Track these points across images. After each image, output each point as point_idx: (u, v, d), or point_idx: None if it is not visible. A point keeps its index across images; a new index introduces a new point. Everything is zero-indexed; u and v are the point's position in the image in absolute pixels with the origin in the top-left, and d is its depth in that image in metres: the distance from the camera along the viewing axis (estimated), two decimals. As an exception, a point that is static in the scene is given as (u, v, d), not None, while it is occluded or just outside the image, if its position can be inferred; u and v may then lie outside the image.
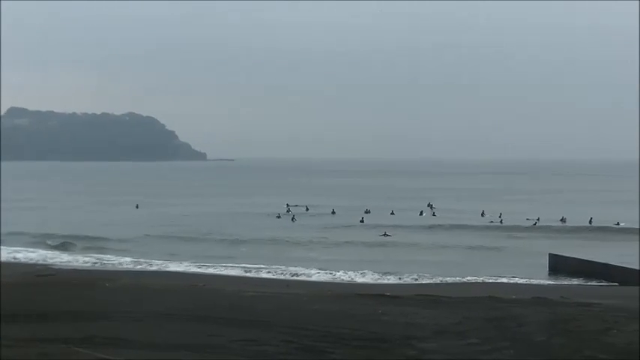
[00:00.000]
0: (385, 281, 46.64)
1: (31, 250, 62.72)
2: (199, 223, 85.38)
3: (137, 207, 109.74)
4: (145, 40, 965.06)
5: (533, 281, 46.52)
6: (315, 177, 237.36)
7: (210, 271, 51.25)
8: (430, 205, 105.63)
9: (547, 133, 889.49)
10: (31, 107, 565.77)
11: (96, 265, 55.16)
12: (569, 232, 78.50)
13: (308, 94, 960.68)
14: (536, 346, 18.44)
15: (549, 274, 50.52)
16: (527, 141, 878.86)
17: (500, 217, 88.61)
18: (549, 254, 53.59)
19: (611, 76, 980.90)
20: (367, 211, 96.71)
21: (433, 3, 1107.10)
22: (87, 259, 58.36)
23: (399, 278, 47.89)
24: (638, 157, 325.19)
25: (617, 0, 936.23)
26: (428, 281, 46.33)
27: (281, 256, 59.31)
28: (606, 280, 45.60)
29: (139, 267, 53.68)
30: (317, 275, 49.39)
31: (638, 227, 77.11)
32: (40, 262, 55.04)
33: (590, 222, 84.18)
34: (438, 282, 45.56)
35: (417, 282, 45.94)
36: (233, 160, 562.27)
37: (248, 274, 49.35)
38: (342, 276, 48.98)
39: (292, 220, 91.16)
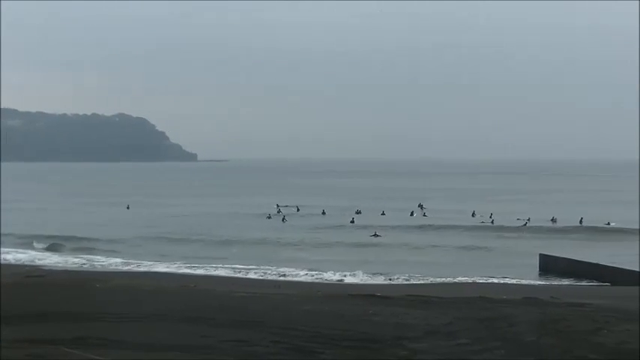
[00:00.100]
0: (376, 282, 46.67)
1: (21, 251, 62.62)
2: (190, 224, 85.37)
3: (128, 208, 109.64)
4: (145, 40, 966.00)
5: (524, 281, 46.64)
6: (309, 177, 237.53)
7: (201, 271, 51.28)
8: (420, 206, 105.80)
9: (547, 133, 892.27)
10: (21, 108, 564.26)
11: (86, 266, 55.09)
12: (559, 232, 78.69)
13: (308, 94, 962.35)
14: (526, 346, 18.45)
15: (540, 274, 50.66)
16: (527, 141, 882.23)
17: (490, 217, 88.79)
18: (540, 254, 53.72)
19: (611, 76, 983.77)
20: (358, 212, 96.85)
21: (433, 3, 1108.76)
22: (77, 260, 58.30)
23: (390, 279, 47.96)
24: (638, 157, 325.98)
25: (617, 0, 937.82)
26: (418, 281, 46.38)
27: (271, 257, 59.35)
28: (597, 280, 45.70)
29: (129, 268, 53.66)
30: (307, 276, 49.41)
31: (629, 227, 77.57)
32: (30, 263, 54.92)
33: (581, 222, 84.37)
34: (429, 282, 45.61)
35: (407, 282, 46.01)
36: (227, 160, 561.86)
37: (238, 275, 49.37)
38: (333, 276, 49.02)
39: (283, 220, 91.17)
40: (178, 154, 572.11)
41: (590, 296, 30.06)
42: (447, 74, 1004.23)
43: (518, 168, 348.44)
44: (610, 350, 17.86)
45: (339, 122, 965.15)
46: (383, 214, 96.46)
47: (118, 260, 57.82)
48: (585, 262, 49.43)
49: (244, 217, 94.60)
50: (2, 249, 61.60)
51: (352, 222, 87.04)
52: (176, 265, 54.39)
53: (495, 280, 46.53)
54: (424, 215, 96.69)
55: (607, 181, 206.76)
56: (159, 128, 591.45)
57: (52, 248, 65.31)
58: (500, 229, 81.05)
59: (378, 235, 74.26)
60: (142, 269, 52.57)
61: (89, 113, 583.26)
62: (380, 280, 47.70)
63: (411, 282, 46.21)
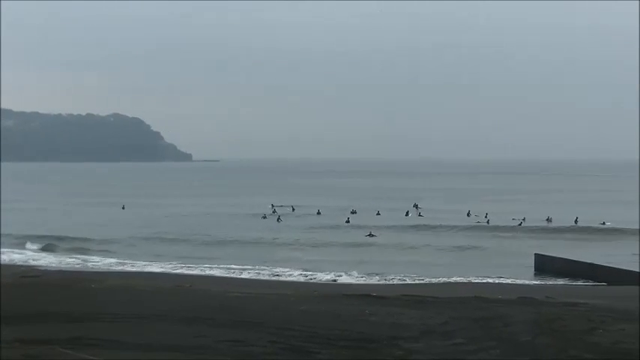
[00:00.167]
0: (371, 282, 46.68)
1: (16, 251, 62.50)
2: (185, 224, 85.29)
3: (123, 208, 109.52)
4: (145, 40, 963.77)
5: (519, 281, 46.64)
6: (307, 177, 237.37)
7: (196, 271, 51.20)
8: (416, 206, 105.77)
9: (547, 133, 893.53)
10: (16, 108, 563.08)
11: (81, 266, 54.99)
12: (554, 231, 78.71)
13: (308, 94, 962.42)
14: (522, 345, 18.48)
15: (535, 274, 50.67)
16: (527, 141, 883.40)
17: (486, 217, 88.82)
18: (535, 254, 53.74)
19: (611, 76, 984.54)
20: (353, 212, 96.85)
21: (433, 3, 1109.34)
22: (72, 260, 58.24)
23: (385, 279, 47.95)
24: (638, 157, 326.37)
25: (617, 0, 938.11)
26: (414, 282, 46.40)
27: (267, 257, 59.32)
28: (592, 280, 45.72)
29: (124, 268, 53.56)
30: (303, 276, 49.40)
31: (624, 227, 77.66)
32: (25, 263, 54.81)
33: (576, 222, 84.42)
34: (424, 282, 45.61)
35: (403, 282, 46.01)
36: (217, 160, 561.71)
37: (234, 275, 49.33)
38: (328, 276, 48.98)
39: (278, 220, 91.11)
40: (173, 154, 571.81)
41: (585, 296, 30.09)
42: (447, 74, 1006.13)
43: (518, 168, 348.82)
44: (605, 350, 17.90)
45: (339, 122, 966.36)
46: (378, 214, 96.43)
47: (113, 260, 57.77)
48: (581, 262, 49.46)
49: (239, 217, 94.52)
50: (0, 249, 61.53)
51: (347, 222, 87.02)
52: (171, 265, 54.35)
53: (490, 280, 46.52)
54: (419, 215, 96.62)
55: (607, 181, 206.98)
56: (154, 128, 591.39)
57: (47, 248, 65.21)
58: (495, 228, 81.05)
59: (373, 235, 74.25)
60: (137, 269, 52.52)
61: (84, 113, 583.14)
62: (375, 280, 47.71)
63: (407, 282, 46.21)
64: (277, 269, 52.04)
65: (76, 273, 45.74)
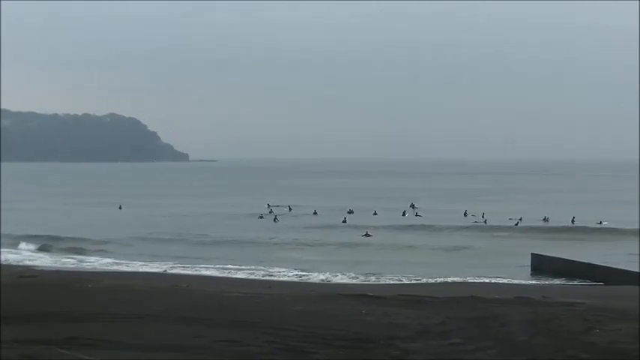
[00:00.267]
0: (367, 281, 46.68)
1: (13, 251, 62.44)
2: (181, 224, 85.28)
3: (120, 208, 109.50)
4: (145, 40, 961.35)
5: (516, 281, 46.67)
6: (306, 177, 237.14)
7: (193, 271, 51.18)
8: (412, 206, 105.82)
9: (547, 133, 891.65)
10: (13, 108, 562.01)
11: (77, 266, 54.95)
12: (551, 231, 78.78)
13: (308, 94, 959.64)
14: (518, 345, 18.48)
15: (532, 274, 50.70)
16: (527, 141, 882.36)
17: (483, 216, 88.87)
18: (532, 254, 53.77)
19: (611, 76, 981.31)
20: (350, 212, 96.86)
21: (433, 3, 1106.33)
22: (69, 260, 58.21)
23: (381, 278, 47.96)
24: (638, 157, 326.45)
25: (617, 0, 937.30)
26: (410, 281, 46.40)
27: (263, 257, 59.34)
28: (589, 279, 45.74)
29: (120, 268, 53.55)
30: (299, 276, 49.41)
31: (621, 227, 77.75)
32: (22, 263, 54.74)
33: (573, 221, 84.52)
34: (421, 282, 45.62)
35: (399, 282, 46.01)
36: (215, 160, 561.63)
37: (230, 275, 49.34)
38: (325, 276, 49.00)
39: (274, 220, 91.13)
40: (170, 154, 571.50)
41: (581, 296, 30.09)
42: (447, 74, 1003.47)
43: (517, 168, 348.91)
44: (602, 350, 17.90)
45: (339, 122, 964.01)
46: (375, 213, 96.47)
47: (110, 260, 57.79)
48: (577, 262, 49.49)
49: (236, 217, 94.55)
50: None
51: (344, 222, 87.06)
52: (168, 265, 54.35)
53: (487, 280, 46.54)
54: (416, 215, 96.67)
55: (606, 181, 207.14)
56: (151, 128, 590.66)
57: (44, 248, 65.17)
58: (492, 228, 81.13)
59: (369, 235, 74.26)
60: (133, 269, 52.50)
61: (80, 113, 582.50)
62: (371, 279, 47.72)
63: (403, 282, 46.22)
64: (274, 269, 52.06)
65: (73, 273, 45.69)
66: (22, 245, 66.16)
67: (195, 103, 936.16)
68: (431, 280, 46.26)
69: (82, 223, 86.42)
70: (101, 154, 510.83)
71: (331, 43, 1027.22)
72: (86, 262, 57.17)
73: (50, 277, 39.65)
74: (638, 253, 55.03)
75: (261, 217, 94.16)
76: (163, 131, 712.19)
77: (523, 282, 46.55)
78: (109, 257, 59.65)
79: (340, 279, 48.15)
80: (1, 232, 71.93)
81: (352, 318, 22.26)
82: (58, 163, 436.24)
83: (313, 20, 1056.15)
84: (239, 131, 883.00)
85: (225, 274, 49.72)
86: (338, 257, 60.20)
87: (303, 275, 49.64)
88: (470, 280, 46.56)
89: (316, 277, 48.91)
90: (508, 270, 51.57)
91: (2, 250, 61.91)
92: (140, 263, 55.78)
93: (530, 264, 52.65)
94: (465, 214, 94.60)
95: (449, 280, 46.51)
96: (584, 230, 78.61)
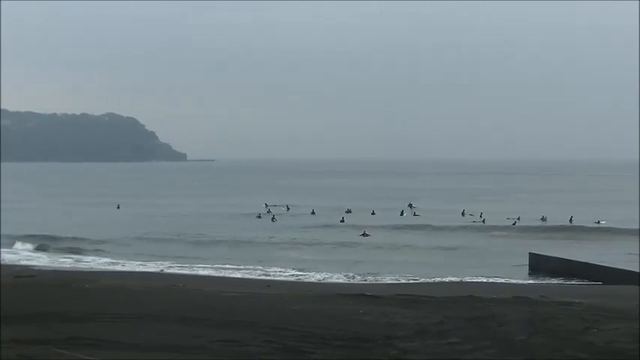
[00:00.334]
0: (365, 281, 46.67)
1: (10, 251, 62.38)
2: (179, 224, 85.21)
3: (118, 207, 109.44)
4: (145, 40, 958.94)
5: (513, 281, 46.69)
6: (305, 177, 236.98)
7: (190, 271, 51.16)
8: (410, 205, 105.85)
9: (547, 133, 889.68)
10: (11, 108, 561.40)
11: (74, 265, 54.90)
12: (549, 231, 78.80)
13: (308, 94, 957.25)
14: (516, 345, 18.49)
15: (529, 273, 50.72)
16: (527, 141, 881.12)
17: (481, 216, 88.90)
18: (529, 253, 53.77)
19: (611, 76, 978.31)
20: (348, 211, 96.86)
21: (433, 3, 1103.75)
22: (66, 259, 58.17)
23: (379, 278, 47.94)
24: (638, 157, 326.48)
25: (617, 0, 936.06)
26: (408, 281, 46.39)
27: (261, 256, 59.31)
28: (587, 279, 45.73)
29: (118, 268, 53.52)
30: (297, 275, 49.39)
31: (619, 226, 77.78)
32: (20, 263, 54.68)
33: (571, 221, 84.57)
34: (419, 282, 45.60)
35: (397, 282, 46.00)
36: (213, 160, 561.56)
37: (228, 275, 49.30)
38: (323, 276, 48.99)
39: (272, 220, 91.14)
40: (167, 153, 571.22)
41: (579, 295, 30.09)
42: (447, 74, 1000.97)
43: (517, 168, 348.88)
44: (599, 349, 17.92)
45: (339, 122, 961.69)
46: (373, 213, 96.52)
47: (107, 260, 57.76)
48: (575, 262, 49.51)
49: (234, 217, 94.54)
50: None
51: (342, 221, 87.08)
52: (165, 265, 54.33)
53: (485, 280, 46.56)
54: (415, 215, 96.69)
55: (606, 181, 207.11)
56: (149, 128, 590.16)
57: (42, 248, 65.11)
58: (490, 228, 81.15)
59: (367, 235, 74.27)
60: (131, 269, 52.45)
61: (78, 113, 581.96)
62: (369, 279, 47.70)
63: (401, 281, 46.22)
64: (272, 269, 52.03)
65: (70, 273, 45.63)
66: (18, 245, 66.04)
67: (195, 103, 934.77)
68: (429, 280, 46.24)
69: (80, 223, 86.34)
70: (101, 153, 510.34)
71: (331, 43, 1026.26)
72: (83, 261, 57.14)
73: (48, 276, 39.60)
74: (637, 252, 55.04)
75: (259, 217, 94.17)
76: (162, 131, 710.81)
77: (521, 281, 46.56)
78: (106, 257, 59.64)
79: (338, 279, 48.14)
80: (5, 233, 71.92)
81: (350, 318, 22.27)
82: (58, 163, 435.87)
83: (313, 20, 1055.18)
84: (239, 131, 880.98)
85: (223, 274, 49.68)
86: (336, 257, 60.19)
87: (301, 275, 49.64)
88: (467, 279, 46.55)
89: (314, 276, 48.91)
90: (506, 269, 51.60)
91: (1, 250, 61.86)
92: (137, 263, 55.75)
93: (527, 263, 52.66)
94: (463, 214, 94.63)
95: (446, 279, 46.51)
96: (582, 230, 78.65)
